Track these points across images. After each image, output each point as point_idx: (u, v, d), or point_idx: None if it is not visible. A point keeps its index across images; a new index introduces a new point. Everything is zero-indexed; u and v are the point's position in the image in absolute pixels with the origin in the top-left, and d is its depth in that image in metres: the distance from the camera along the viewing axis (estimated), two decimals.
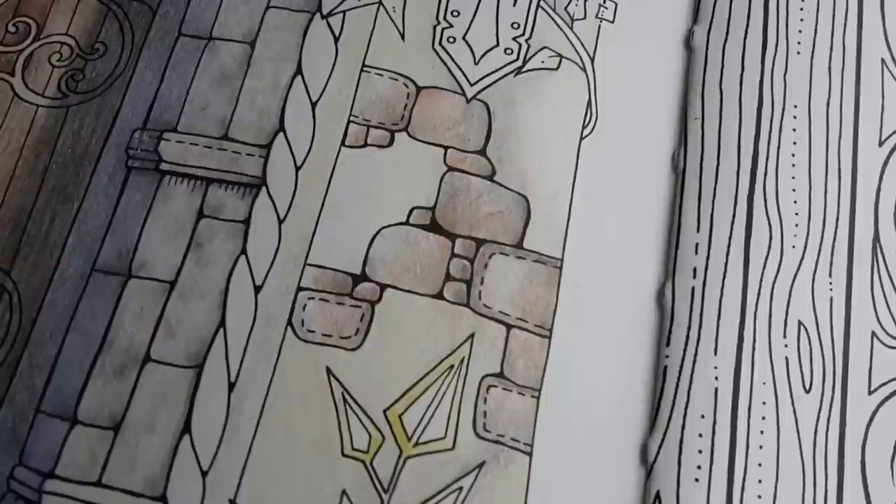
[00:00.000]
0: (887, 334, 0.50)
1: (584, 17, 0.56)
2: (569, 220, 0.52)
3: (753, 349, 0.49)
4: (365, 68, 0.54)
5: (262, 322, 0.49)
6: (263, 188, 0.51)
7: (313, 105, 0.53)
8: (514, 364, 0.49)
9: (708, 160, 0.53)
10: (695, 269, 0.51)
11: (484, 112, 0.54)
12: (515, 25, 0.56)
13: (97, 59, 0.55)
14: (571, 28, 0.56)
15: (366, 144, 0.52)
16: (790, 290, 0.50)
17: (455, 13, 0.56)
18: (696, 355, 0.49)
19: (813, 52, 0.55)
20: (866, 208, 0.52)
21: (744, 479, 0.47)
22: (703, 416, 0.48)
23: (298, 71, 0.54)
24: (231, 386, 0.47)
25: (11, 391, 0.48)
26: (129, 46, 0.55)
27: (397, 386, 0.48)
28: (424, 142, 0.53)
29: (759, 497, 0.46)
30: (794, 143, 0.53)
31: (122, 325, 0.49)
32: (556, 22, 0.56)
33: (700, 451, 0.47)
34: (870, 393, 0.49)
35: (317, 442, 0.47)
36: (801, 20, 0.56)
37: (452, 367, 0.49)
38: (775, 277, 0.50)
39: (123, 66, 0.55)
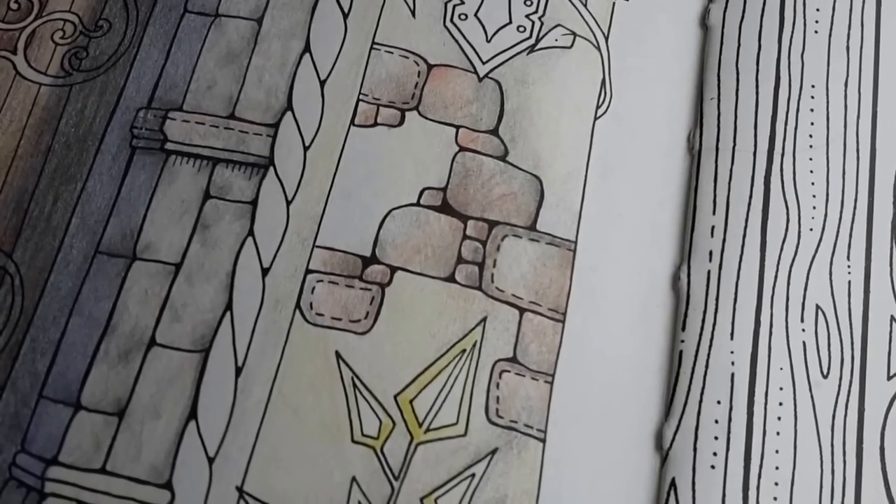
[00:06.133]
0: None
1: None
2: (583, 201, 0.52)
3: (770, 334, 0.49)
4: (375, 46, 0.54)
5: (270, 305, 0.49)
6: (271, 168, 0.51)
7: (322, 83, 0.53)
8: (527, 348, 0.49)
9: (724, 141, 0.53)
10: (711, 253, 0.50)
11: (496, 91, 0.54)
12: (528, 3, 0.56)
13: (101, 37, 0.55)
14: (585, 6, 0.56)
15: (376, 124, 0.52)
16: (808, 274, 0.50)
17: None
18: (711, 340, 0.49)
19: (830, 30, 0.55)
20: (885, 190, 0.52)
21: (760, 466, 0.46)
22: (719, 402, 0.47)
23: (307, 48, 0.54)
24: (238, 371, 0.47)
25: (13, 376, 0.48)
26: (133, 23, 0.55)
27: (408, 371, 0.48)
28: (435, 121, 0.53)
29: (777, 484, 0.46)
30: (812, 123, 0.53)
31: (126, 309, 0.49)
32: None
33: (716, 438, 0.47)
34: (888, 378, 0.49)
35: (326, 428, 0.47)
36: None
37: (464, 351, 0.48)
38: (792, 260, 0.50)
39: (128, 43, 0.54)
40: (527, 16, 0.55)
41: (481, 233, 0.51)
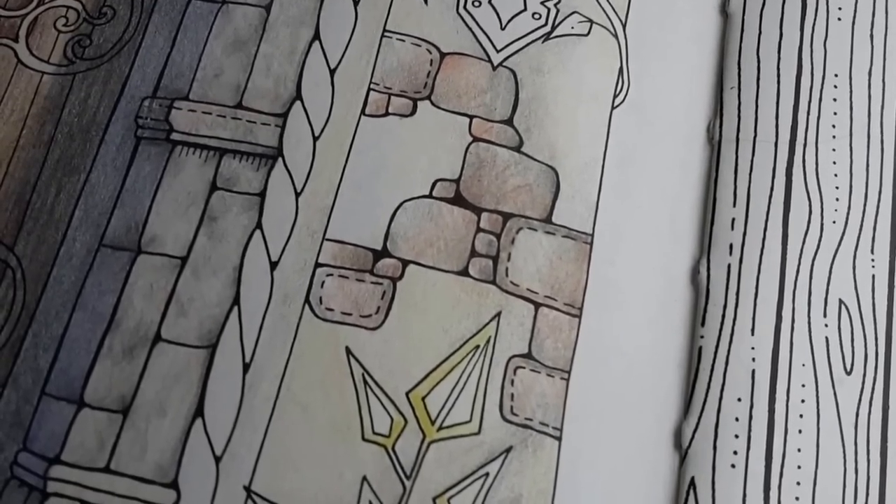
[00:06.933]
0: None
1: None
2: (599, 193, 0.52)
3: (792, 329, 0.48)
4: (386, 33, 0.54)
5: (279, 300, 0.48)
6: (279, 159, 0.51)
7: (332, 72, 0.53)
8: (542, 344, 0.49)
9: (745, 131, 0.52)
10: (731, 246, 0.50)
11: (511, 80, 0.53)
12: None
13: (105, 24, 0.55)
14: None
15: (387, 113, 0.52)
16: (830, 268, 0.49)
17: None
18: (732, 335, 0.48)
19: (854, 17, 0.54)
20: None
21: (782, 465, 0.46)
22: (739, 400, 0.47)
23: (316, 36, 0.54)
24: (246, 367, 0.47)
25: (15, 372, 0.47)
26: (138, 10, 0.55)
27: (420, 367, 0.48)
28: (448, 111, 0.52)
29: (798, 484, 0.46)
30: (835, 113, 0.52)
31: (131, 304, 0.48)
32: None
33: (736, 436, 0.46)
34: None
35: (336, 426, 0.46)
36: None
37: (478, 347, 0.48)
38: (815, 254, 0.49)
39: (132, 30, 0.54)
40: (542, 2, 0.55)
41: (495, 225, 0.50)
